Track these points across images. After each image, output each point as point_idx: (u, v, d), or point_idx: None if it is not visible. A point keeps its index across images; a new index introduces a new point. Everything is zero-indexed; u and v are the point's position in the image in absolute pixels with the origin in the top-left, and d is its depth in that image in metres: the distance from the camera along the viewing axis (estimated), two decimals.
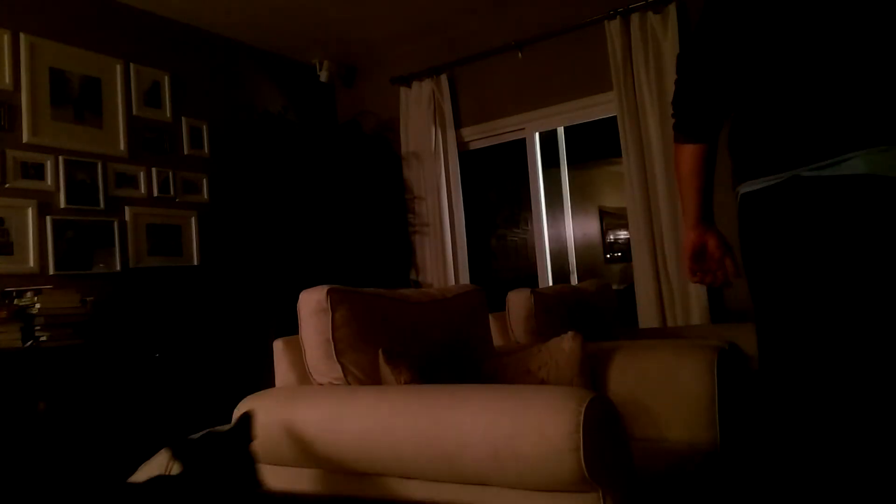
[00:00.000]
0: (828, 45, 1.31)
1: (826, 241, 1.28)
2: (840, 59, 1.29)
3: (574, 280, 4.09)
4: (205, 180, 3.85)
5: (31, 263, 3.04)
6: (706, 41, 1.46)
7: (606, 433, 1.13)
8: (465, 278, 4.18)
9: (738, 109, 1.45)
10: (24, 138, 3.08)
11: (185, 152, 3.77)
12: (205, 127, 3.89)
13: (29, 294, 2.77)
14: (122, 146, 3.47)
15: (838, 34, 1.30)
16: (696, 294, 3.30)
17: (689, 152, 1.51)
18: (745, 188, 1.41)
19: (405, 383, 1.54)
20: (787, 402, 1.42)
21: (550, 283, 4.05)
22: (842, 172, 1.24)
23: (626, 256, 4.67)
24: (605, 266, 5.53)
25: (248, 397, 1.63)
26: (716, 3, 1.46)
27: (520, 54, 4.01)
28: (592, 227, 5.53)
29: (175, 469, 2.19)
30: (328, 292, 1.61)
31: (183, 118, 3.79)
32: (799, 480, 1.38)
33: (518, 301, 2.46)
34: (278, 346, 1.83)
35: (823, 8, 1.32)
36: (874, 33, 1.28)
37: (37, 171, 3.11)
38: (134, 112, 3.54)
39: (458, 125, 4.28)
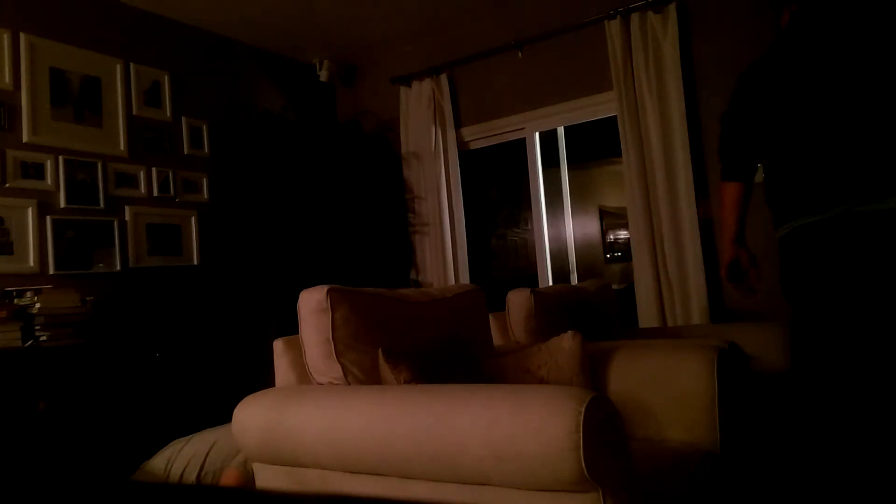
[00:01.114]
0: (859, 116, 1.70)
1: (882, 258, 1.64)
2: (882, 122, 1.68)
3: (574, 280, 4.09)
4: (205, 180, 3.85)
5: (31, 263, 3.04)
6: (741, 109, 1.93)
7: (606, 433, 1.13)
8: (465, 278, 4.18)
9: (773, 170, 1.88)
10: (24, 138, 3.08)
11: (185, 152, 3.77)
12: (205, 127, 3.89)
13: (29, 294, 2.77)
14: (122, 146, 3.47)
15: (875, 99, 1.68)
16: (696, 294, 3.30)
17: (732, 188, 2.00)
18: (798, 222, 1.79)
19: (405, 383, 1.54)
20: (831, 408, 1.77)
21: (550, 283, 4.05)
22: (891, 206, 1.63)
23: (626, 256, 4.67)
24: (605, 266, 5.53)
25: (248, 397, 1.63)
26: (749, 81, 1.92)
27: (520, 54, 4.01)
28: (592, 227, 5.53)
29: (176, 468, 2.19)
30: (328, 292, 1.61)
31: (183, 118, 3.79)
32: (830, 467, 1.75)
33: (518, 301, 2.46)
34: (278, 345, 1.83)
35: (855, 79, 1.70)
36: None
37: (37, 171, 3.11)
38: (134, 112, 3.54)
39: (458, 125, 4.28)
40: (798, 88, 1.77)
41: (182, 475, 2.19)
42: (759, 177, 2.06)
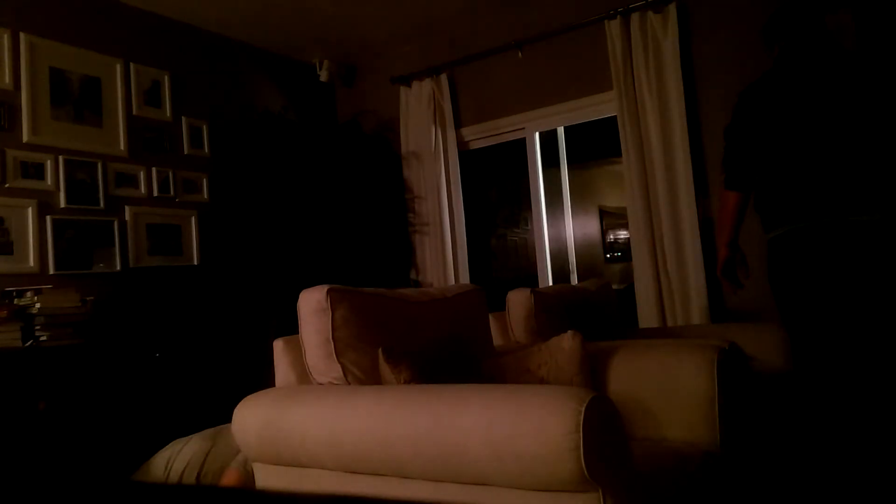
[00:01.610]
0: (835, 138, 2.01)
1: (859, 259, 1.95)
2: (844, 149, 2.01)
3: (574, 280, 4.09)
4: (205, 180, 3.85)
5: (31, 263, 3.05)
6: (740, 126, 2.19)
7: (606, 433, 1.13)
8: (465, 278, 4.18)
9: (763, 182, 2.16)
10: (24, 138, 3.08)
11: (185, 152, 3.77)
12: (205, 127, 3.89)
13: (29, 294, 2.77)
14: (122, 146, 3.47)
15: (841, 133, 2.01)
16: (696, 294, 3.30)
17: (733, 196, 2.24)
18: (787, 227, 2.07)
19: (405, 383, 1.54)
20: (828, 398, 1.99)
21: (550, 283, 4.05)
22: (874, 219, 1.94)
23: (626, 256, 4.67)
24: (605, 266, 5.53)
25: (248, 397, 1.63)
26: (747, 101, 2.18)
27: (520, 54, 4.01)
28: (592, 226, 5.53)
29: (176, 468, 2.19)
30: (328, 292, 1.61)
31: (183, 118, 3.79)
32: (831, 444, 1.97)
33: (518, 301, 2.46)
34: (278, 345, 1.83)
35: (829, 114, 2.02)
36: (871, 132, 1.99)
37: (37, 171, 3.11)
38: (134, 112, 3.54)
39: (458, 125, 4.28)
40: (787, 113, 2.08)
41: (182, 475, 2.19)
42: None
